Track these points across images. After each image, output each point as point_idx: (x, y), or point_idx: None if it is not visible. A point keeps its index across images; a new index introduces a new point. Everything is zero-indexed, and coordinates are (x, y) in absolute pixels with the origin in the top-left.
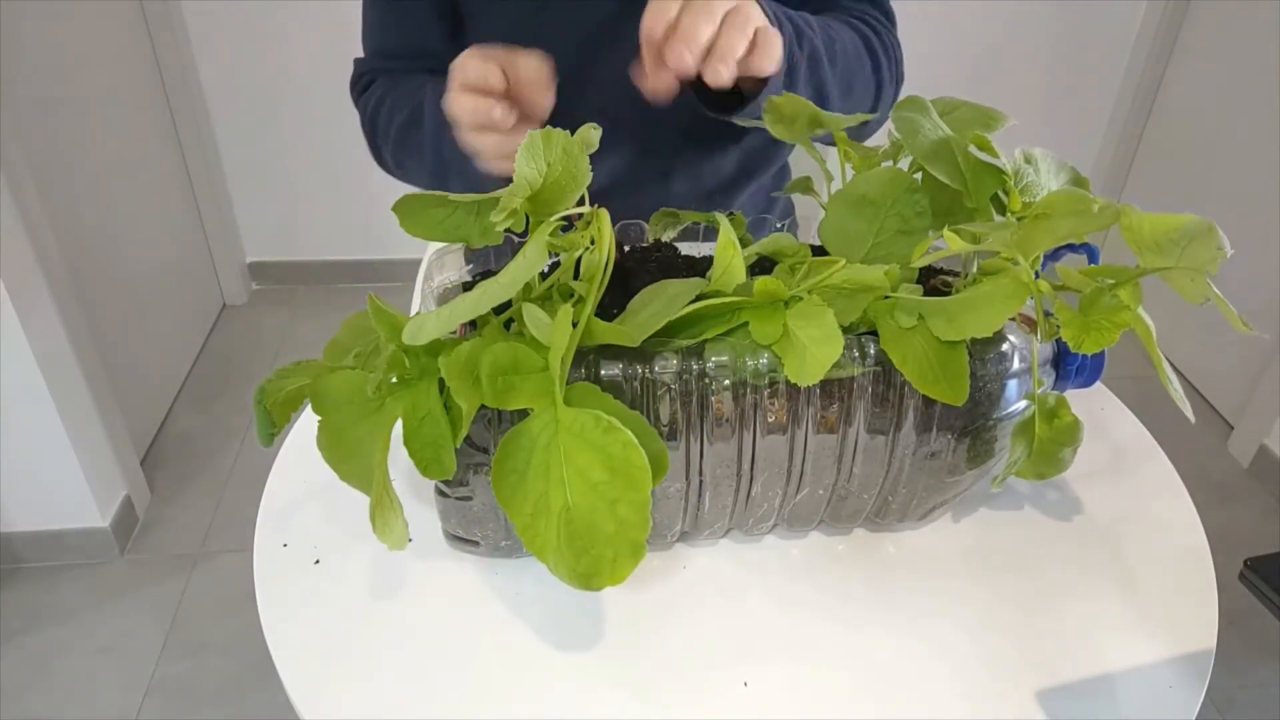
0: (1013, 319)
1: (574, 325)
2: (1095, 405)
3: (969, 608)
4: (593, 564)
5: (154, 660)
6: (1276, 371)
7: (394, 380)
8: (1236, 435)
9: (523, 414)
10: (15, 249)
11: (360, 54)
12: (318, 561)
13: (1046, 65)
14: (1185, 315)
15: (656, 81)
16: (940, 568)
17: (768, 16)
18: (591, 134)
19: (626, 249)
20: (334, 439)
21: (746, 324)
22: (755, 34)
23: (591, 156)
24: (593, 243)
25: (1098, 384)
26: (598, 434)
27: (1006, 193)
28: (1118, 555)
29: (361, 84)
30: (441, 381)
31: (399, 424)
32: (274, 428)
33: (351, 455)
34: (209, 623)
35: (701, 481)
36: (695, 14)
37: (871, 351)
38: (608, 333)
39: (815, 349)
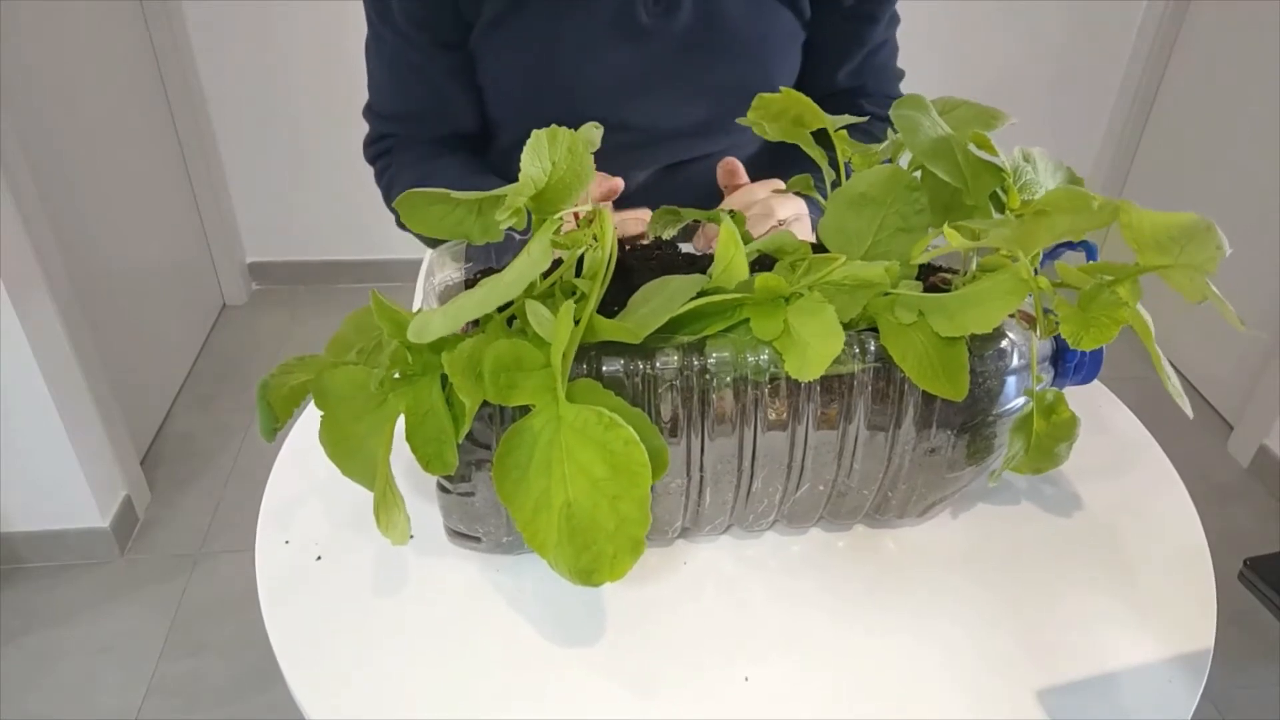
0: (1012, 316)
1: (576, 322)
2: (1095, 404)
3: (968, 605)
4: (593, 560)
5: (154, 660)
6: (1276, 371)
7: (396, 376)
8: (1236, 435)
9: (525, 410)
10: (15, 249)
11: (367, 98)
12: (319, 558)
13: (1047, 64)
14: (1185, 316)
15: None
16: (940, 564)
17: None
18: (593, 133)
19: (628, 247)
20: (336, 434)
21: (747, 320)
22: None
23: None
24: (595, 240)
25: (1098, 383)
26: (599, 430)
27: (1005, 191)
28: (1117, 554)
29: (378, 148)
30: (444, 377)
31: (400, 419)
32: (277, 423)
33: (354, 451)
34: (209, 623)
35: (702, 477)
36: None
37: (871, 348)
38: (610, 329)
39: (816, 344)
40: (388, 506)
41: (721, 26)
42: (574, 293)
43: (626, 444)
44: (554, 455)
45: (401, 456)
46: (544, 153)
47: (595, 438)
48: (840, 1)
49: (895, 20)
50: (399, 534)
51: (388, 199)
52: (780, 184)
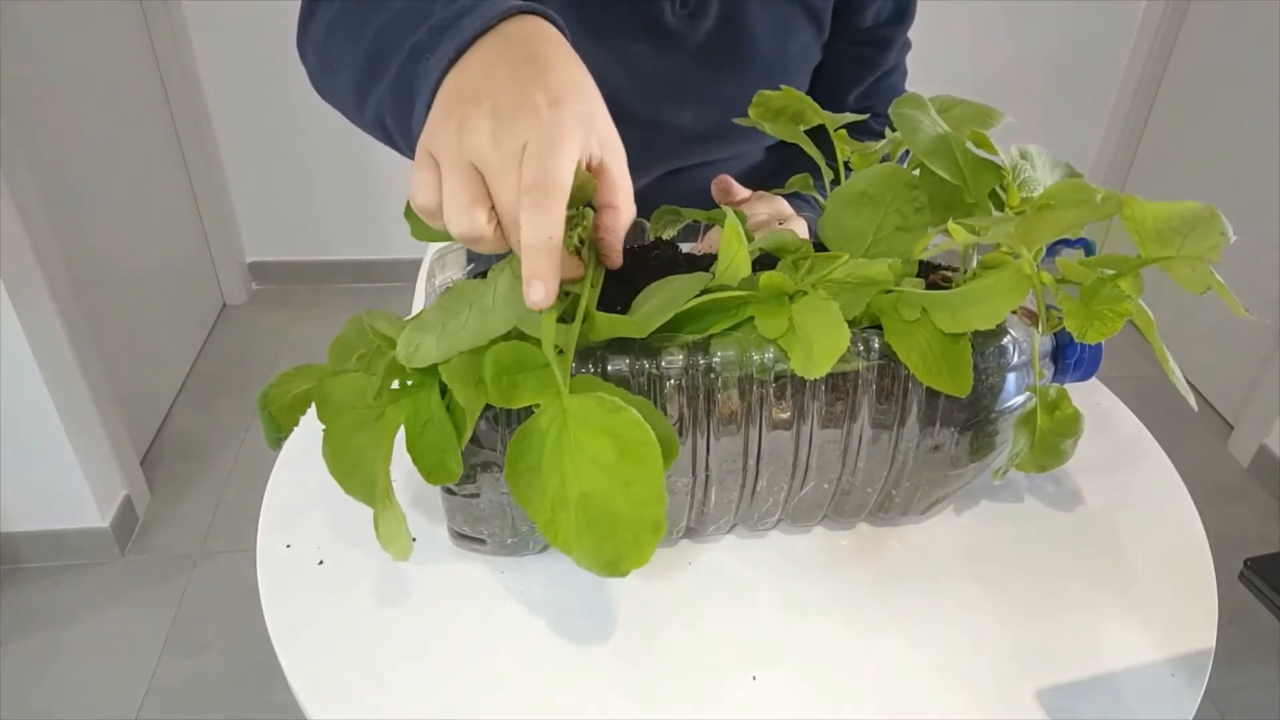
0: (1014, 312)
1: (573, 319)
2: (1095, 403)
3: (970, 603)
4: (615, 549)
5: (154, 660)
6: (1276, 371)
7: (395, 387)
8: (1236, 435)
9: (529, 412)
10: (15, 249)
11: None
12: (321, 562)
13: (1048, 63)
14: (1186, 316)
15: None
16: (943, 563)
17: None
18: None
19: (629, 249)
20: (337, 448)
21: (752, 319)
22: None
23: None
24: (582, 243)
25: (1098, 382)
26: (604, 416)
27: (1005, 188)
28: (1117, 554)
29: None
30: (442, 386)
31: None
32: (280, 433)
33: (354, 465)
34: (209, 623)
35: (708, 477)
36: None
37: (875, 345)
38: (615, 325)
39: (822, 341)
40: (389, 522)
41: (742, 39)
42: (565, 294)
43: (632, 425)
44: (564, 449)
45: (405, 460)
46: None
47: (600, 424)
48: (857, 24)
49: (907, 45)
50: (401, 549)
51: (307, 31)
52: (783, 202)
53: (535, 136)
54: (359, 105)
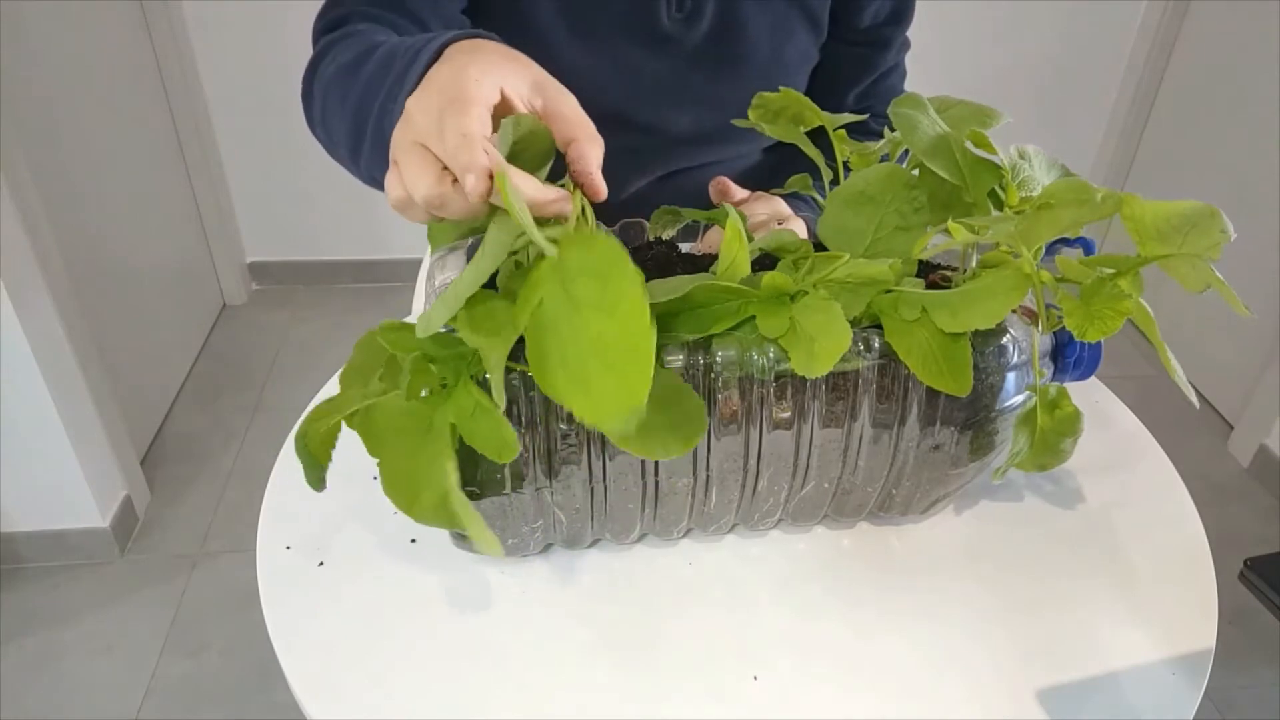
0: (1014, 311)
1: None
2: (1095, 403)
3: (970, 603)
4: (619, 381)
5: (154, 660)
6: (1276, 371)
7: (425, 393)
8: (1236, 435)
9: (530, 415)
10: (15, 249)
11: None
12: (321, 563)
13: (1049, 60)
14: (1185, 316)
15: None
16: (943, 562)
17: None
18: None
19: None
20: (396, 475)
21: (753, 319)
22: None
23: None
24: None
25: (1098, 382)
26: (587, 258)
27: (1004, 188)
28: (1117, 554)
29: (331, 18)
30: (475, 379)
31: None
32: (322, 469)
33: (418, 489)
34: (209, 623)
35: (708, 477)
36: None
37: (875, 344)
38: None
39: (823, 341)
40: (475, 524)
41: (739, 41)
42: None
43: (613, 256)
44: (567, 310)
45: None
46: (508, 136)
47: (584, 266)
48: (856, 25)
49: (906, 45)
50: (495, 546)
51: (313, 63)
52: (781, 203)
53: (444, 88)
54: (357, 169)
